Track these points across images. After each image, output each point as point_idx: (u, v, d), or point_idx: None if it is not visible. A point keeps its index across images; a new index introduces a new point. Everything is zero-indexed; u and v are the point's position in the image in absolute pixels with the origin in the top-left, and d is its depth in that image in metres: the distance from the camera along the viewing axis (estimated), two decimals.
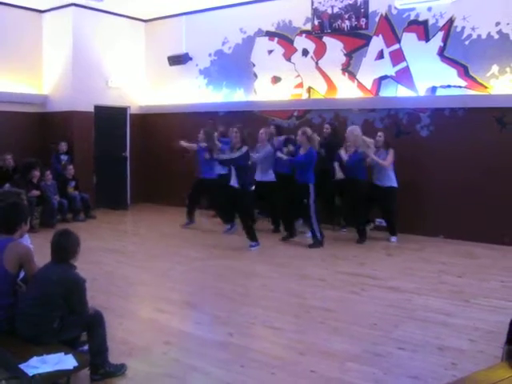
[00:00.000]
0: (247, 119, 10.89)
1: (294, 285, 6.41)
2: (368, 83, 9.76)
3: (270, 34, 10.90)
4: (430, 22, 9.05)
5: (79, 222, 10.33)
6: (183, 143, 9.96)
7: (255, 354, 4.42)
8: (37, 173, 9.65)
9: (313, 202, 8.28)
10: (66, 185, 10.63)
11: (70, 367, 3.42)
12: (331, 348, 4.54)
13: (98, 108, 11.87)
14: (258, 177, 9.26)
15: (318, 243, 8.35)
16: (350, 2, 9.81)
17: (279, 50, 10.83)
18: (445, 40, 8.94)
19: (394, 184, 8.64)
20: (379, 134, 8.79)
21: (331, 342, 4.66)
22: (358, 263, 7.39)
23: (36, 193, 9.52)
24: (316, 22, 10.27)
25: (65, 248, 3.83)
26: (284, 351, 4.48)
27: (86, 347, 3.88)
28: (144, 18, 12.74)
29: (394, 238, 8.77)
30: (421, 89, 9.21)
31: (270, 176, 9.16)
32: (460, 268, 7.15)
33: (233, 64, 11.44)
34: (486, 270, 7.11)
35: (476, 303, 5.71)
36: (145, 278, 6.88)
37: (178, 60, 12.06)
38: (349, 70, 9.97)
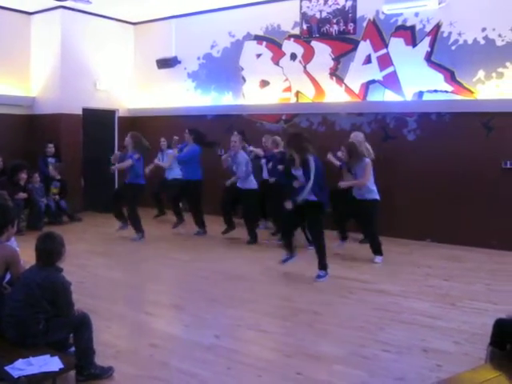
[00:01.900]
0: (235, 123, 10.92)
1: (281, 287, 6.44)
2: (356, 87, 9.82)
3: (259, 38, 10.94)
4: (418, 27, 9.13)
5: (64, 224, 10.27)
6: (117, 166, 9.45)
7: (242, 356, 4.43)
8: (23, 175, 9.57)
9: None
10: (50, 185, 10.60)
11: (56, 369, 3.42)
12: (318, 351, 4.55)
13: (86, 111, 11.84)
14: (240, 185, 8.99)
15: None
16: (339, 7, 9.87)
17: (267, 54, 10.87)
18: (432, 45, 9.02)
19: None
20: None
21: (318, 345, 4.68)
22: (346, 266, 7.42)
23: (23, 195, 9.44)
24: (304, 27, 10.33)
25: (50, 251, 3.82)
26: (271, 354, 4.50)
27: (73, 348, 3.88)
28: (133, 21, 12.74)
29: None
30: (408, 93, 9.29)
31: (252, 183, 8.96)
32: (446, 271, 7.21)
33: (221, 68, 11.47)
34: (472, 273, 7.17)
35: (461, 306, 5.76)
36: (132, 280, 6.87)
37: (166, 63, 12.07)
38: (337, 74, 10.03)
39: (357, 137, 8.64)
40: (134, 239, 9.12)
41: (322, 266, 6.84)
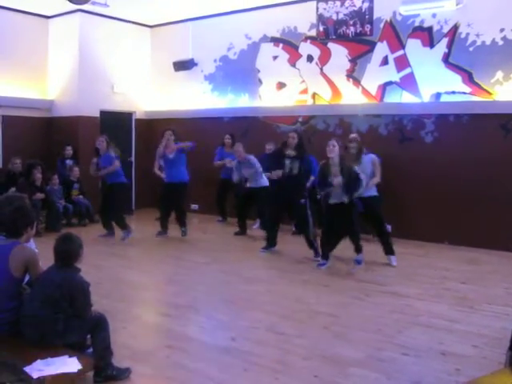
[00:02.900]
0: (252, 125, 10.94)
1: (297, 290, 6.42)
2: (373, 89, 9.78)
3: (275, 40, 10.94)
4: (435, 28, 9.07)
5: (84, 226, 10.38)
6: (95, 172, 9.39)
7: (258, 358, 4.42)
8: (39, 175, 9.67)
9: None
10: (71, 188, 10.70)
11: (74, 370, 3.43)
12: (335, 353, 4.54)
13: (103, 113, 11.92)
14: (252, 185, 9.58)
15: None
16: (355, 9, 9.84)
17: (284, 56, 10.86)
18: (449, 46, 8.95)
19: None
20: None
21: (335, 347, 4.66)
22: (361, 269, 7.37)
23: (40, 196, 9.55)
24: (321, 28, 10.30)
25: (68, 252, 3.85)
26: (287, 356, 4.48)
27: (91, 349, 3.90)
28: (150, 24, 12.80)
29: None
30: (425, 95, 9.22)
31: (264, 181, 9.21)
32: (464, 274, 7.15)
33: (238, 70, 11.48)
34: (490, 276, 7.10)
35: (480, 309, 5.71)
36: (148, 282, 6.91)
37: (183, 65, 12.11)
38: (353, 75, 9.99)
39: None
40: (123, 238, 9.06)
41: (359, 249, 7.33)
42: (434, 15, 9.06)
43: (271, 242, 8.43)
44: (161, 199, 9.58)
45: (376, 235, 7.90)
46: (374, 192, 7.69)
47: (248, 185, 9.64)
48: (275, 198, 8.23)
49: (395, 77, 9.54)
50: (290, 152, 7.98)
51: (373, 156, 7.80)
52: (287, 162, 7.93)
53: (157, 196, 11.18)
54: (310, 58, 10.52)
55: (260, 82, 11.23)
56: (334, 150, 7.08)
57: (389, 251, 7.67)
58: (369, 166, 7.63)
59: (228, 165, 10.18)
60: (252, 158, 9.40)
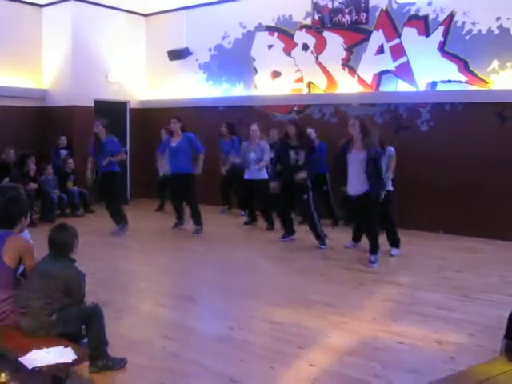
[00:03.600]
0: (247, 114, 10.89)
1: (294, 279, 6.43)
2: (368, 78, 9.75)
3: (270, 29, 10.88)
4: (431, 16, 9.03)
5: (78, 216, 10.34)
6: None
7: (255, 347, 4.42)
8: (33, 165, 9.64)
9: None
10: (66, 179, 10.66)
11: (69, 360, 3.41)
12: (331, 342, 4.54)
13: (97, 102, 11.84)
14: (250, 176, 9.19)
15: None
16: None
17: (279, 45, 10.81)
18: (445, 35, 8.92)
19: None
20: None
21: (331, 336, 4.66)
22: (357, 258, 7.39)
23: (33, 186, 9.52)
24: (316, 17, 10.25)
25: (63, 242, 3.83)
26: (283, 345, 4.48)
27: (86, 339, 3.89)
28: (144, 13, 12.71)
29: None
30: (421, 84, 9.20)
31: (264, 173, 9.09)
32: (460, 263, 7.16)
33: (233, 59, 11.42)
34: (485, 264, 7.12)
35: (475, 298, 5.72)
36: (145, 272, 6.89)
37: (178, 55, 12.04)
38: (349, 64, 9.96)
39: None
40: (116, 232, 8.82)
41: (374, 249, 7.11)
42: (429, 3, 9.02)
43: (290, 231, 8.39)
44: (162, 191, 9.46)
45: (383, 228, 7.82)
46: (389, 186, 7.60)
47: (245, 176, 9.23)
48: (280, 190, 8.15)
49: (391, 66, 9.51)
50: (294, 142, 7.89)
51: (391, 149, 7.79)
52: (292, 153, 7.84)
53: (154, 187, 11.22)
54: (305, 47, 10.48)
55: (255, 70, 11.18)
56: (355, 126, 7.01)
57: (394, 244, 7.65)
58: (386, 158, 7.58)
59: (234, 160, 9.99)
60: (265, 143, 9.07)
